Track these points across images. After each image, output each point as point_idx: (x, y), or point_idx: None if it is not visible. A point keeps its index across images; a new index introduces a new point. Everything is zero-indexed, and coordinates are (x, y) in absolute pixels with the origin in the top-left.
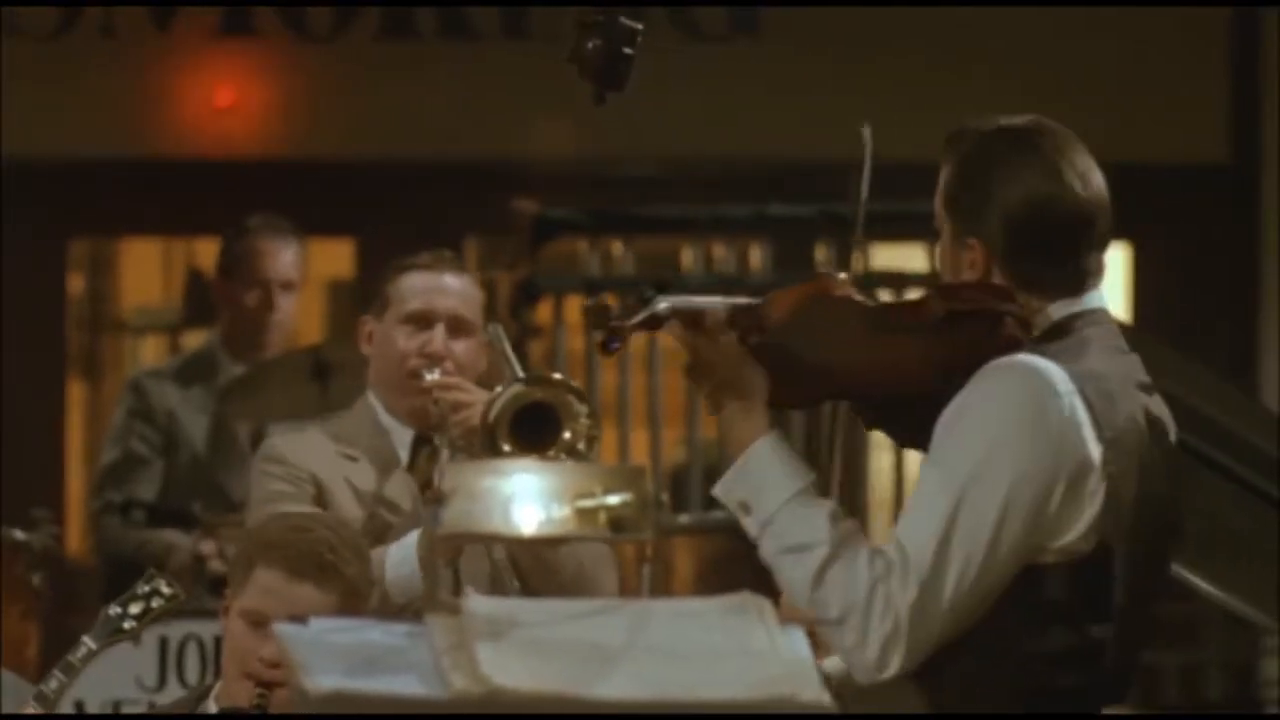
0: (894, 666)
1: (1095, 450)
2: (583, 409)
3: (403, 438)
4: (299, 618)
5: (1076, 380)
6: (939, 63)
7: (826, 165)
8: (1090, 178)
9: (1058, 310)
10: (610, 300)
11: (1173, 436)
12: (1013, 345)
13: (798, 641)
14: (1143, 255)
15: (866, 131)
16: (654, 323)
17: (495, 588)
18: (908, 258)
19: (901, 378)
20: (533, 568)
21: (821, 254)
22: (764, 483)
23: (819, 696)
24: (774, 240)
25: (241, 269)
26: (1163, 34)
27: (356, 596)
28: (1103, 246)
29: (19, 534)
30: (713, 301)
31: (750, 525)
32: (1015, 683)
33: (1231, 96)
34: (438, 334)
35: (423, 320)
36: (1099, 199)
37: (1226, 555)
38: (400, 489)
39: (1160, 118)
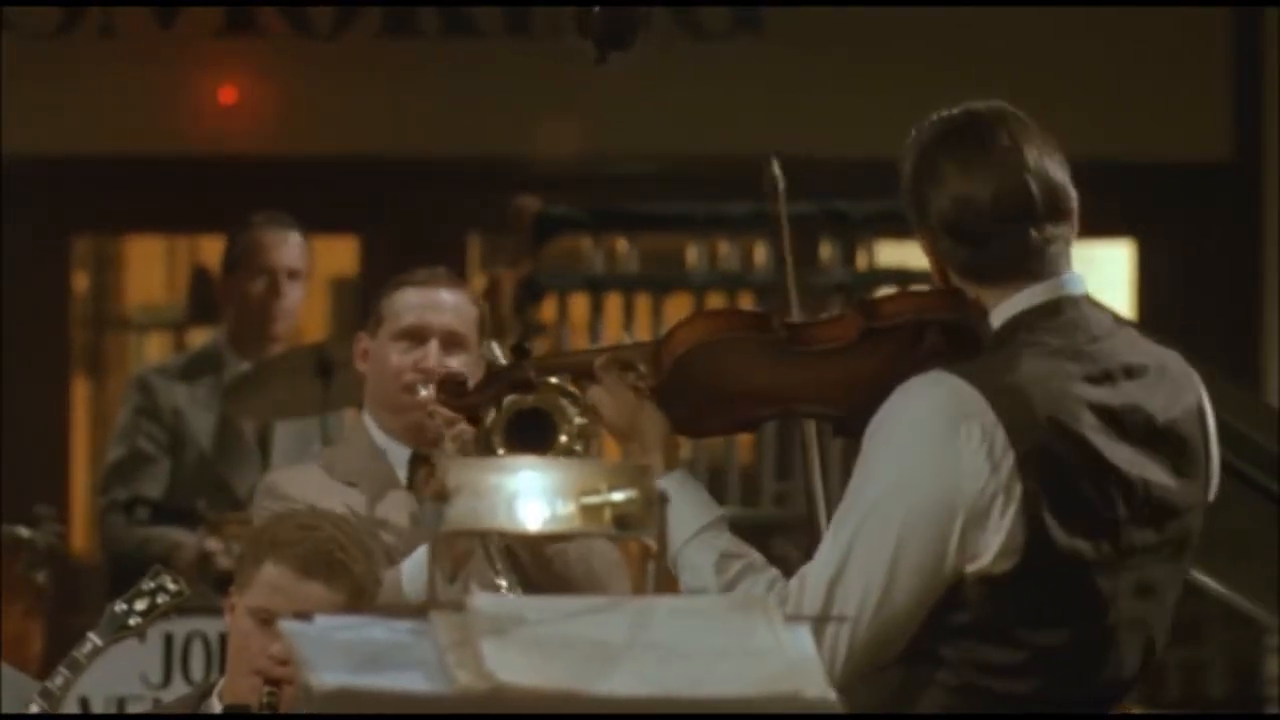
0: None
1: (1004, 474)
2: (575, 410)
3: (399, 457)
4: (306, 615)
5: (992, 396)
6: (941, 61)
7: (829, 163)
8: (1029, 158)
9: (999, 315)
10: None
11: (1167, 416)
12: (934, 357)
13: (801, 639)
14: (1145, 252)
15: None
16: (522, 383)
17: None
18: (911, 255)
19: (822, 397)
20: (541, 576)
21: (825, 250)
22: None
23: (823, 694)
24: (777, 237)
25: (246, 261)
26: (1164, 33)
27: (364, 595)
28: (1046, 229)
29: (23, 531)
30: (591, 352)
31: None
32: (951, 686)
33: (1233, 94)
34: (432, 350)
35: (417, 336)
36: (1043, 182)
37: (1228, 552)
38: (395, 508)
39: (1162, 116)
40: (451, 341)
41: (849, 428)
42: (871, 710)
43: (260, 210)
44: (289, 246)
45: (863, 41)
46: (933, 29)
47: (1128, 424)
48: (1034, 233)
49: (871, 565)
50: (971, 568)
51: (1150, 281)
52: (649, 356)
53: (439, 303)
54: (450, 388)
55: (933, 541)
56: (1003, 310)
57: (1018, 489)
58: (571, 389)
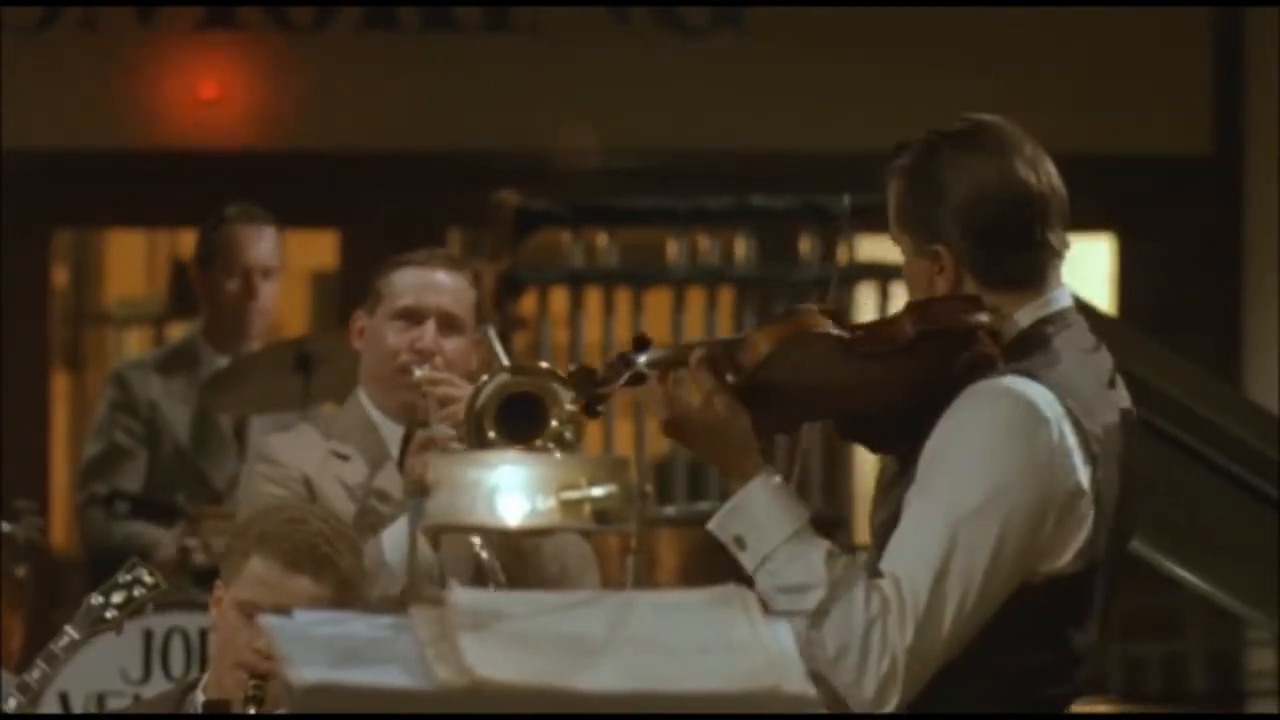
0: (891, 704)
1: (1085, 473)
2: (568, 396)
3: (393, 434)
4: (289, 609)
5: (1061, 400)
6: (922, 57)
7: (809, 157)
8: (1040, 166)
9: (1025, 316)
10: (589, 365)
11: (1133, 418)
12: (985, 360)
13: (782, 634)
14: (1126, 247)
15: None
16: (637, 379)
17: (480, 583)
18: (891, 250)
19: (875, 399)
20: (516, 569)
21: (805, 245)
22: (760, 521)
23: (803, 689)
24: (757, 232)
25: (220, 258)
26: (1145, 27)
27: (350, 589)
28: (1062, 236)
29: (4, 526)
30: (685, 348)
31: (745, 560)
32: (995, 696)
33: (1214, 88)
34: (428, 330)
35: (413, 316)
36: (1051, 187)
37: (1208, 546)
38: (392, 480)
39: (1143, 110)
40: (448, 323)
41: (882, 431)
42: None
43: (234, 203)
44: (263, 244)
45: (843, 38)
46: (914, 25)
47: (1129, 427)
48: (1053, 240)
49: (974, 563)
50: (1045, 567)
51: (1131, 276)
52: (729, 357)
53: (437, 284)
54: (583, 378)
55: (1031, 538)
56: (1025, 315)
57: (1095, 489)
58: (563, 375)
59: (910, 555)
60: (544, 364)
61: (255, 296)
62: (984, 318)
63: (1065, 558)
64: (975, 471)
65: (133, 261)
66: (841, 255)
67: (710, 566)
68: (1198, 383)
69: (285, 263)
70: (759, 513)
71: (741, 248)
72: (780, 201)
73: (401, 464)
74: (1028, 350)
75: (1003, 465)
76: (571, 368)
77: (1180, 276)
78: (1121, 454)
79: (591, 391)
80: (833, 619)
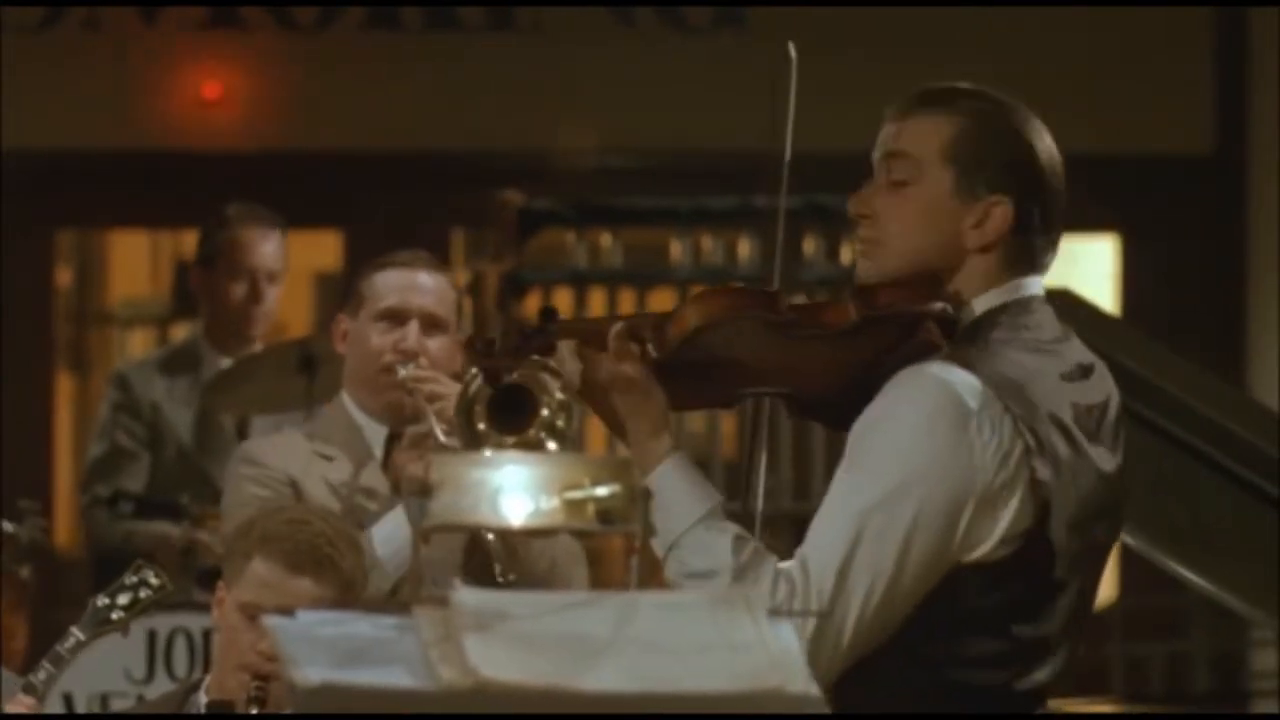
0: None
1: (1016, 464)
2: (556, 384)
3: (377, 434)
4: (289, 610)
5: (995, 389)
6: (924, 56)
7: (812, 157)
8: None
9: (983, 303)
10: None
11: (1114, 411)
12: (928, 348)
13: (785, 634)
14: (1128, 247)
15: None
16: (547, 348)
17: (481, 579)
18: None
19: (819, 379)
20: (507, 565)
21: (809, 245)
22: (668, 506)
23: (806, 689)
24: (760, 231)
25: (224, 260)
26: (1148, 27)
27: (352, 590)
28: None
29: (7, 526)
30: (605, 319)
31: (657, 547)
32: (927, 684)
33: (1217, 89)
34: (411, 331)
35: (397, 317)
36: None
37: (1211, 547)
38: (376, 478)
39: (1146, 110)
40: (431, 324)
41: (834, 413)
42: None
43: (236, 202)
44: (268, 247)
45: (846, 37)
46: (916, 24)
47: (1095, 420)
48: (1057, 235)
49: (882, 554)
50: (970, 556)
51: (1133, 276)
52: (654, 330)
53: (420, 285)
54: (479, 346)
55: (943, 532)
56: (982, 302)
57: (1023, 478)
58: (552, 365)
59: (821, 542)
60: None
61: (261, 300)
62: (936, 306)
63: (988, 545)
64: (891, 461)
65: (136, 262)
66: (844, 254)
67: None
68: (1199, 382)
69: (289, 264)
70: (667, 497)
71: (745, 248)
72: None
73: (385, 464)
74: (973, 338)
75: (920, 456)
76: (471, 339)
77: (1182, 276)
78: (1073, 451)
79: (486, 363)
80: None
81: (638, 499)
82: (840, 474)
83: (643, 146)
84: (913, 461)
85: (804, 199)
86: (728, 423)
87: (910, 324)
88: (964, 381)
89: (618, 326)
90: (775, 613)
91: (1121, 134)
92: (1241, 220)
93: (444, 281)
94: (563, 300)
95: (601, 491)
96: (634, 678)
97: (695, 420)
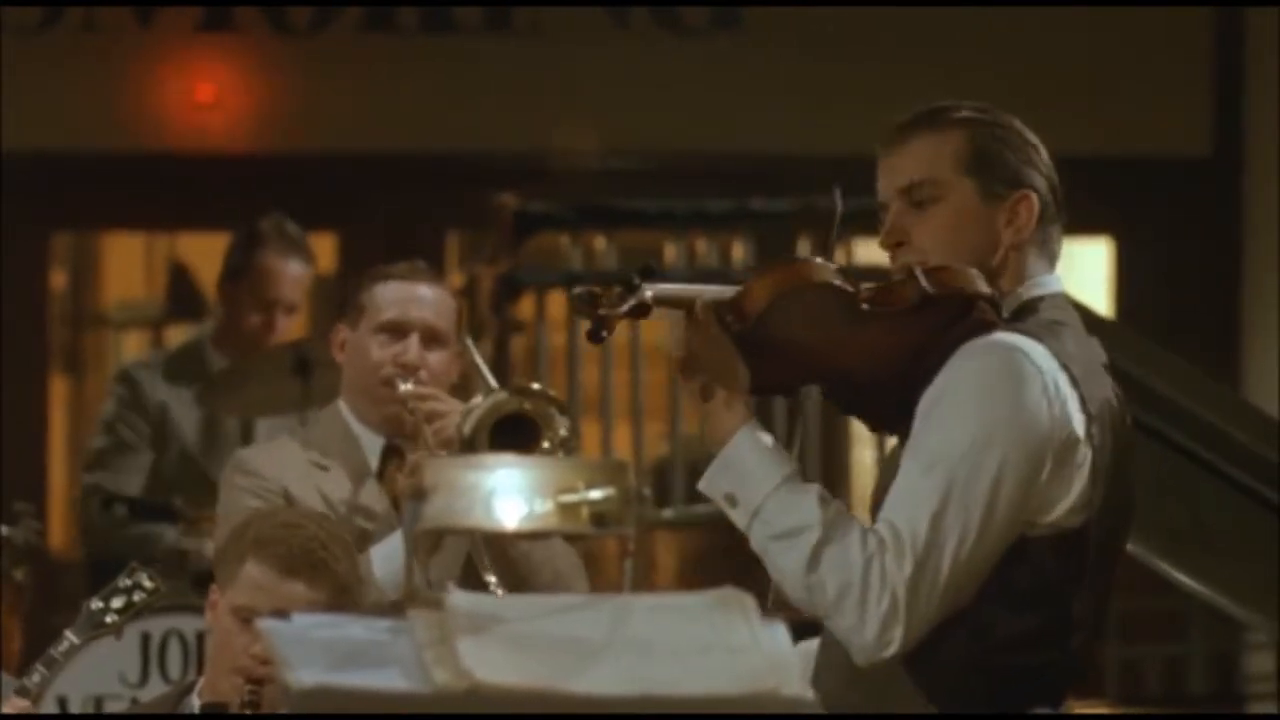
0: (894, 645)
1: (1080, 422)
2: (563, 420)
3: (373, 445)
4: (284, 614)
5: (1057, 356)
6: (921, 58)
7: (808, 160)
8: None
9: (1028, 290)
10: (595, 289)
11: (1129, 419)
12: (984, 326)
13: (780, 636)
14: (1125, 249)
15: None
16: (641, 311)
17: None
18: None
19: (875, 361)
20: (509, 580)
21: (804, 248)
22: (749, 472)
23: (801, 692)
24: (755, 234)
25: (248, 283)
26: (1145, 29)
27: (346, 593)
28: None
29: (1, 528)
30: (694, 289)
31: (738, 516)
32: (983, 660)
33: (1213, 91)
34: (412, 344)
35: (397, 330)
36: None
37: (1207, 549)
38: (374, 493)
39: (1143, 112)
40: (431, 337)
41: (880, 403)
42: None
43: (270, 215)
44: (293, 278)
45: (842, 39)
46: (913, 26)
47: (1123, 416)
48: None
49: (972, 500)
50: (1044, 517)
51: (1130, 278)
52: (733, 306)
53: (420, 298)
54: (585, 297)
55: (1026, 483)
56: (1025, 291)
57: (1090, 445)
58: (558, 398)
59: (906, 502)
60: (536, 385)
61: (274, 330)
62: (985, 291)
63: (1065, 505)
64: (967, 418)
65: (131, 264)
66: (839, 258)
67: (709, 569)
68: (1197, 385)
69: (309, 289)
70: (748, 464)
71: (740, 250)
72: (778, 204)
73: (381, 475)
74: (1024, 318)
75: (1001, 408)
76: (577, 291)
77: (1179, 279)
78: (1116, 429)
79: (594, 314)
80: (830, 562)
81: (632, 502)
82: (913, 443)
83: (639, 148)
84: (994, 414)
85: (800, 202)
86: None
87: (966, 303)
88: (1033, 348)
89: (704, 299)
90: (868, 562)
91: (1119, 136)
92: (1239, 222)
93: (444, 293)
94: (557, 303)
95: (595, 495)
96: (628, 680)
97: (695, 421)
